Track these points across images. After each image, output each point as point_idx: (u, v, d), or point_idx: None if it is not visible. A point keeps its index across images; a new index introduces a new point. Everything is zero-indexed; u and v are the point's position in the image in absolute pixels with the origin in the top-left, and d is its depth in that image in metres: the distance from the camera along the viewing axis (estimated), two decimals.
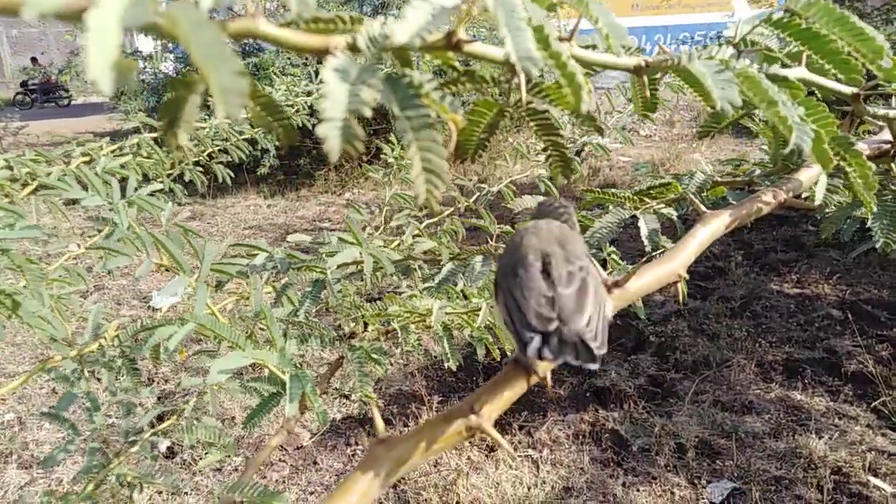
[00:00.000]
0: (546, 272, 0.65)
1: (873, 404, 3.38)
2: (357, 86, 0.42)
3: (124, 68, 0.32)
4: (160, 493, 2.88)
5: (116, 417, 1.39)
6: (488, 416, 0.51)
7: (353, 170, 8.48)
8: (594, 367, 0.57)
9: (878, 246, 0.84)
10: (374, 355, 1.18)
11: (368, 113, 0.40)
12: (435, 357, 3.82)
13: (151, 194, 1.58)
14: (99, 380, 1.40)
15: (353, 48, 0.46)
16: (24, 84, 21.09)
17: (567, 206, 0.77)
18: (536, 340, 0.58)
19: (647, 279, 0.69)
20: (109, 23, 0.32)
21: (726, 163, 1.82)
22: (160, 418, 2.45)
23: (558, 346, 0.57)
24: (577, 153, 2.49)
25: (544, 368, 0.60)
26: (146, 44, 9.78)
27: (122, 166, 1.72)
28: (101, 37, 0.31)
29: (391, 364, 3.95)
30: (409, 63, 0.55)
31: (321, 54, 0.46)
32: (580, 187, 7.87)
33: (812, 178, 0.91)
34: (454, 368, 1.33)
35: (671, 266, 0.70)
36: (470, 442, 3.15)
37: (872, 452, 3.04)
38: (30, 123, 9.70)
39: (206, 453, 2.71)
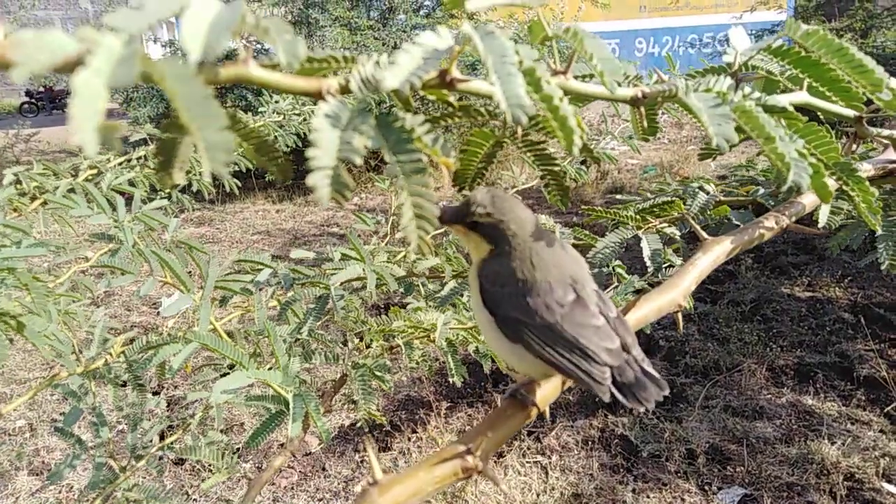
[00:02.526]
0: (579, 297, 0.59)
1: (886, 409, 3.34)
2: (348, 132, 0.42)
3: (109, 130, 0.32)
4: None
5: (125, 425, 1.40)
6: (485, 456, 0.50)
7: (362, 174, 8.48)
8: (665, 393, 0.57)
9: (883, 267, 0.83)
10: (377, 372, 1.17)
11: (359, 161, 0.40)
12: (442, 363, 3.82)
13: (158, 209, 1.59)
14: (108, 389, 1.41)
15: (346, 90, 0.46)
16: (28, 93, 21.26)
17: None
18: (608, 375, 0.56)
19: (645, 310, 0.68)
20: (96, 86, 0.32)
21: (735, 168, 1.82)
22: (169, 426, 2.46)
23: (641, 387, 0.56)
24: (583, 161, 2.48)
25: (542, 402, 0.59)
26: (155, 50, 9.83)
27: (130, 183, 1.73)
28: (88, 101, 0.31)
29: (399, 370, 3.94)
30: (406, 101, 0.55)
31: (314, 97, 0.46)
32: (588, 191, 7.84)
33: (816, 201, 0.90)
34: (458, 384, 1.32)
35: (671, 296, 0.69)
36: None
37: (886, 458, 3.01)
38: (41, 130, 9.76)
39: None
